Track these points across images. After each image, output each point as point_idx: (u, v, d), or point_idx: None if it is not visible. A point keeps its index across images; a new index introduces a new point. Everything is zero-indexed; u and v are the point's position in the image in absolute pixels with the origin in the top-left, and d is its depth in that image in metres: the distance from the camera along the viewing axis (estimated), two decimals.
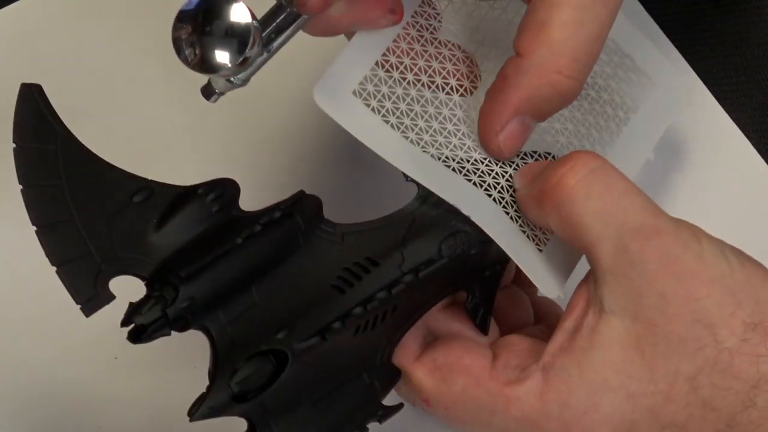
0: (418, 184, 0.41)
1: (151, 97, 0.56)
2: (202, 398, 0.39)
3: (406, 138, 0.41)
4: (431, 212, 0.41)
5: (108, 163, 0.40)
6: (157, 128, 0.56)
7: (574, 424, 0.37)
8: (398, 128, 0.41)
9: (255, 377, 0.39)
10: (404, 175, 0.41)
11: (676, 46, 0.58)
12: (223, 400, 0.38)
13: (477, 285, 0.42)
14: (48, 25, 0.58)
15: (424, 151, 0.41)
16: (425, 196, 0.41)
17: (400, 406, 0.41)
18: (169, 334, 0.39)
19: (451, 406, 0.40)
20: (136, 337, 0.38)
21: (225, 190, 0.40)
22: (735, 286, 0.36)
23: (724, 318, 0.36)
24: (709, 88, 0.57)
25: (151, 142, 0.55)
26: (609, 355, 0.36)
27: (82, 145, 0.39)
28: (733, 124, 0.56)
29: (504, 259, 0.41)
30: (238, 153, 0.54)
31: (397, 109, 0.41)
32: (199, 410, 0.38)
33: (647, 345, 0.36)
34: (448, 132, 0.42)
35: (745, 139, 0.56)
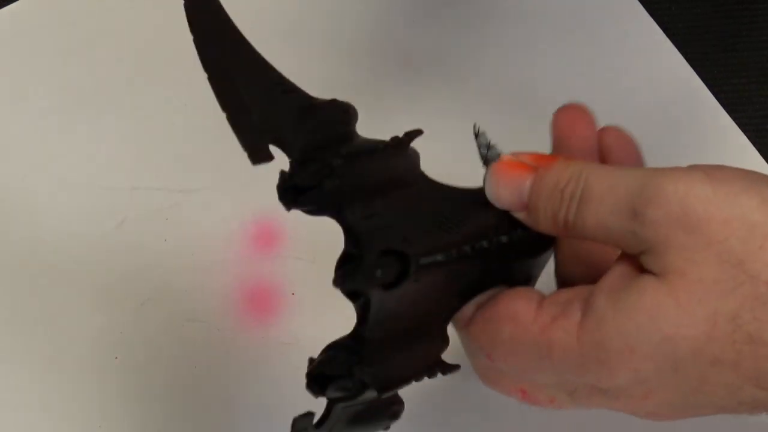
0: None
1: (152, 96, 0.56)
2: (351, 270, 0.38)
3: None
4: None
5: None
6: (157, 128, 0.56)
7: (614, 362, 0.37)
8: None
9: (385, 274, 0.38)
10: (482, 159, 0.41)
11: (677, 48, 0.58)
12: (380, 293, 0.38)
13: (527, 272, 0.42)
14: (48, 25, 0.58)
15: None
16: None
17: (456, 366, 0.41)
18: (315, 209, 0.38)
19: (509, 356, 0.40)
20: (289, 198, 0.38)
21: (350, 111, 0.40)
22: (762, 219, 0.35)
23: (753, 252, 0.35)
24: (709, 88, 0.57)
25: (151, 142, 0.55)
26: (642, 303, 0.36)
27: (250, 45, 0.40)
28: (734, 123, 0.56)
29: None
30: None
31: None
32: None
33: (681, 292, 0.36)
34: None
35: (746, 138, 0.56)
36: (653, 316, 0.36)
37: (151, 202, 0.54)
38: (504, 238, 0.41)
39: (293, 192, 0.38)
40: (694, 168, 0.37)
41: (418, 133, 0.40)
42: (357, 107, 0.39)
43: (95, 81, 0.56)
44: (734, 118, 0.56)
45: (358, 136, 0.40)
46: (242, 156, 0.37)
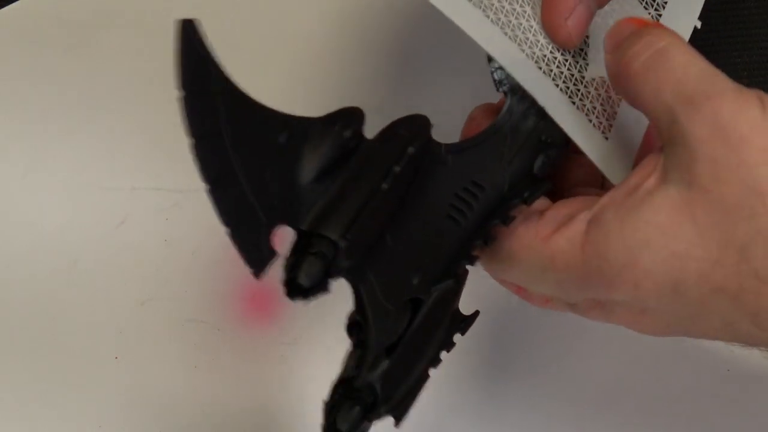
0: (508, 93, 0.41)
1: (152, 96, 0.56)
2: (358, 363, 0.37)
3: (487, 17, 0.40)
4: (524, 124, 0.41)
5: (261, 104, 0.36)
6: (158, 128, 0.55)
7: (614, 277, 0.37)
8: (478, 6, 0.40)
9: (398, 327, 0.38)
10: (495, 84, 0.41)
11: None
12: (379, 364, 0.38)
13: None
14: (48, 24, 0.58)
15: (503, 33, 0.40)
16: (513, 105, 0.41)
17: (476, 314, 0.41)
18: (328, 292, 0.36)
19: (509, 271, 0.40)
20: (297, 294, 0.36)
21: (355, 118, 0.37)
22: None
23: None
24: None
25: (151, 142, 0.55)
26: (656, 218, 0.36)
27: (238, 87, 0.36)
28: None
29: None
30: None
31: None
32: (360, 375, 0.37)
33: (699, 210, 0.36)
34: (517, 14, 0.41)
35: None
36: (666, 231, 0.36)
37: (151, 202, 0.54)
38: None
39: (300, 290, 0.36)
40: (752, 90, 0.37)
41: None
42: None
43: (95, 81, 0.56)
44: None
45: (364, 142, 0.38)
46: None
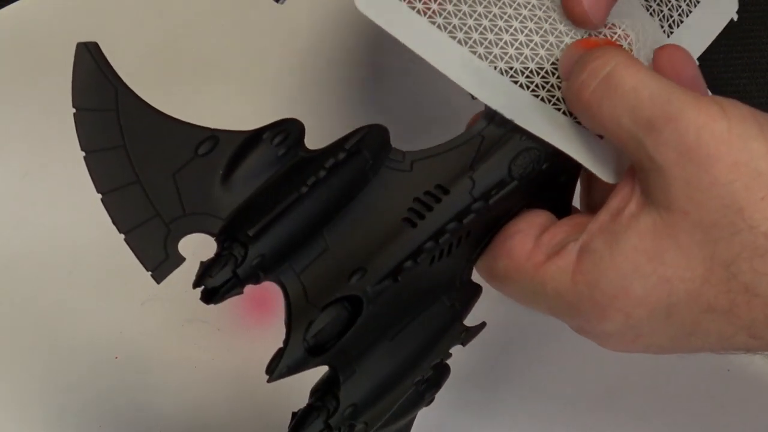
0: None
1: (152, 96, 0.56)
2: (278, 356, 0.38)
3: (454, 38, 0.39)
4: (499, 130, 0.40)
5: (169, 117, 0.38)
6: None
7: (606, 306, 0.37)
8: (444, 29, 0.39)
9: (331, 327, 0.38)
10: (470, 94, 0.40)
11: None
12: (299, 356, 0.38)
13: (551, 195, 0.41)
14: (49, 24, 0.58)
15: (471, 51, 0.40)
16: (492, 114, 0.40)
17: (482, 325, 0.41)
18: (241, 293, 0.37)
19: (504, 288, 0.40)
20: (208, 297, 0.37)
21: (290, 130, 0.38)
22: (767, 168, 0.35)
23: (755, 202, 0.35)
24: (710, 89, 0.57)
25: None
26: (642, 244, 0.36)
27: (142, 101, 0.38)
28: None
29: (577, 162, 0.40)
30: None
31: (444, 10, 0.40)
32: (276, 370, 0.38)
33: (681, 233, 0.35)
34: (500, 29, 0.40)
35: None
36: (652, 257, 0.36)
37: None
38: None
39: (212, 293, 0.37)
40: (712, 100, 0.36)
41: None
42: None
43: None
44: None
45: (301, 152, 0.38)
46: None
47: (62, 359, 0.50)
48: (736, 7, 0.47)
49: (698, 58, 0.56)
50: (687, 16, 0.45)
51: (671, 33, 0.45)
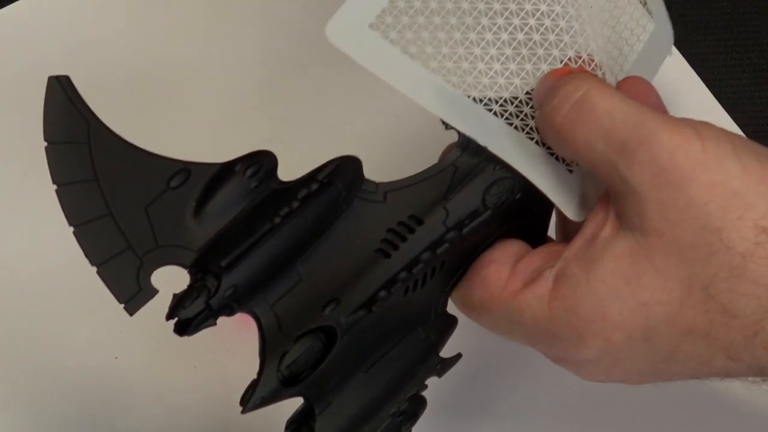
0: (459, 132, 0.40)
1: (152, 96, 0.56)
2: (252, 387, 0.38)
3: (427, 68, 0.39)
4: (473, 160, 0.40)
5: (142, 150, 0.38)
6: (157, 128, 0.56)
7: (584, 331, 0.37)
8: (418, 58, 0.39)
9: (305, 358, 0.38)
10: (442, 121, 0.39)
11: (677, 47, 0.58)
12: (273, 387, 0.38)
13: (526, 224, 0.41)
14: (49, 24, 0.58)
15: (446, 80, 0.39)
16: (466, 143, 0.40)
17: (458, 356, 0.40)
18: (215, 324, 0.38)
19: (480, 319, 0.40)
20: (181, 329, 0.37)
21: (262, 163, 0.38)
22: (743, 188, 0.35)
23: (731, 222, 0.34)
24: (709, 88, 0.57)
25: (151, 142, 0.55)
26: (619, 268, 0.36)
27: (114, 134, 0.38)
28: (734, 124, 0.56)
29: None
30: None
31: (419, 38, 0.39)
32: (250, 401, 0.38)
33: (657, 255, 0.35)
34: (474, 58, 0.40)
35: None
36: (629, 281, 0.36)
37: None
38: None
39: (182, 324, 0.37)
40: (684, 122, 0.36)
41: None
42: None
43: (95, 80, 0.56)
44: (734, 118, 0.56)
45: (273, 184, 0.38)
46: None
47: (62, 359, 0.50)
48: (671, 46, 0.48)
49: (698, 59, 0.56)
50: (636, 54, 0.45)
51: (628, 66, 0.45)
